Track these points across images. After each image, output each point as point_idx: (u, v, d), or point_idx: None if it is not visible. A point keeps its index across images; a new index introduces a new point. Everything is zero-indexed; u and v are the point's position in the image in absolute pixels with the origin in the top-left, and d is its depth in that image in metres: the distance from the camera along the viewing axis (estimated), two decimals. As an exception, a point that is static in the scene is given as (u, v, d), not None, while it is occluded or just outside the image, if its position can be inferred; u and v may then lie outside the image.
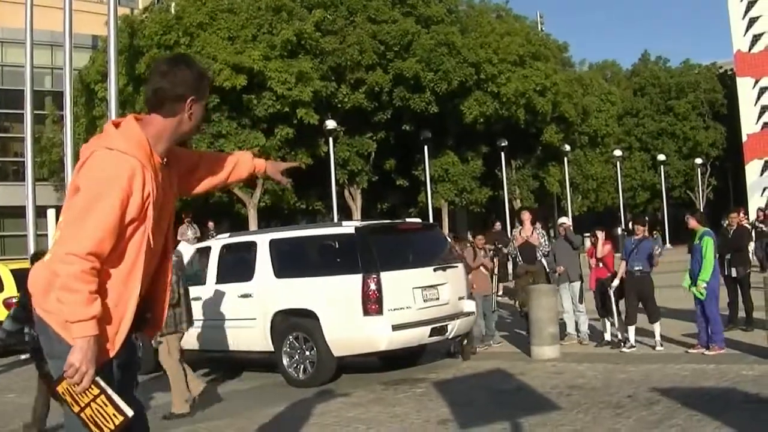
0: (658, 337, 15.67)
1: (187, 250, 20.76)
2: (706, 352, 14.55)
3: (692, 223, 15.44)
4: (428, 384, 13.77)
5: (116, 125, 4.52)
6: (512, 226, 53.71)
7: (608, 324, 16.56)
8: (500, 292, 18.61)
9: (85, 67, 46.68)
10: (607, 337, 16.50)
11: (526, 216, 18.30)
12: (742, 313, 17.60)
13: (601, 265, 16.71)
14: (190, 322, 13.23)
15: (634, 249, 15.81)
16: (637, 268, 15.72)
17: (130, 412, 4.32)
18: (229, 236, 17.33)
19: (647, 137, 76.40)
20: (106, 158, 4.31)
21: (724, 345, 14.71)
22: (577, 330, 17.12)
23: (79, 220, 4.23)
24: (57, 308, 4.29)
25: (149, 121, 4.53)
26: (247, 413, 12.35)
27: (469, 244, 18.62)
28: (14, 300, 21.05)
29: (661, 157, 71.31)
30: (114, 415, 4.34)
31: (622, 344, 15.87)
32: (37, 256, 13.08)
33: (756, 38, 79.39)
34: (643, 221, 16.91)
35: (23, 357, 18.56)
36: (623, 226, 57.78)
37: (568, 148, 58.64)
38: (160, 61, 4.70)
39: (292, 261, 15.57)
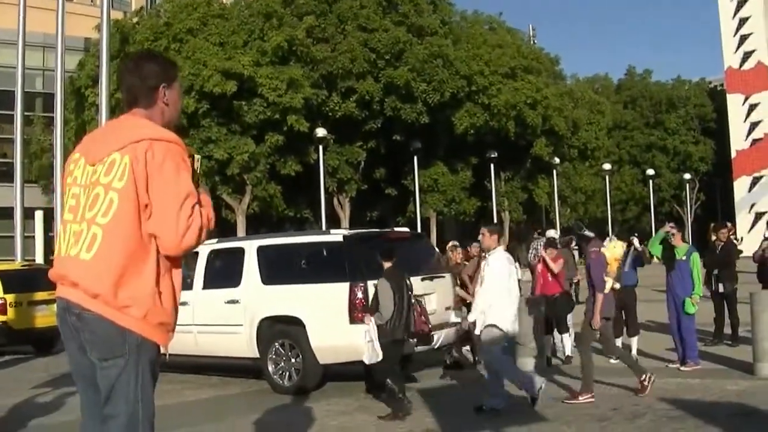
0: (634, 351, 15.69)
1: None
2: (682, 368, 14.58)
3: (676, 240, 15.43)
4: (413, 393, 13.72)
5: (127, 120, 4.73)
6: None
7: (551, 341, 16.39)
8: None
9: (76, 72, 46.56)
10: (548, 353, 16.30)
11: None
12: (727, 329, 17.64)
13: (551, 279, 16.53)
14: None
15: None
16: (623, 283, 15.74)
17: None
18: (217, 242, 17.25)
19: (637, 150, 76.65)
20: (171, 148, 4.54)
21: (699, 361, 14.73)
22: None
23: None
24: (134, 301, 4.39)
25: (136, 115, 4.70)
26: (231, 419, 12.32)
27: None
28: (1, 301, 20.99)
29: (650, 171, 71.53)
30: None
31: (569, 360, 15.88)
32: None
33: (747, 55, 79.85)
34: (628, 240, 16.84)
35: None
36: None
37: (557, 161, 58.77)
38: (125, 60, 4.98)
39: (279, 268, 15.53)
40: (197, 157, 4.90)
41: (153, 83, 4.70)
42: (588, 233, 13.34)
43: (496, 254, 12.23)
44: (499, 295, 11.84)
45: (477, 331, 12.11)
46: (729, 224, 20.46)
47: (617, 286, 13.92)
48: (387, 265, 12.53)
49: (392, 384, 11.89)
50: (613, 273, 12.92)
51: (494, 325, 11.81)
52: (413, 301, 12.28)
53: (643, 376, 12.43)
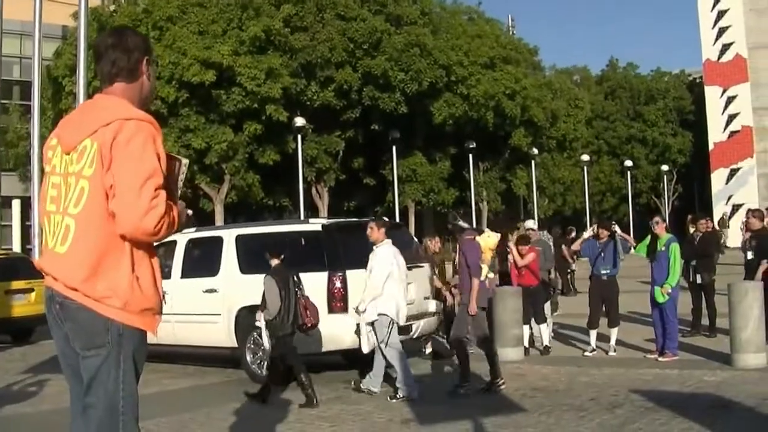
0: (613, 342, 15.69)
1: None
2: (660, 359, 14.61)
3: (659, 229, 15.39)
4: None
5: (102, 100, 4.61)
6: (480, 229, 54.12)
7: (527, 330, 16.44)
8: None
9: (53, 60, 46.29)
10: (526, 343, 16.32)
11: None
12: (705, 320, 17.70)
13: (523, 272, 16.55)
14: None
15: (601, 252, 15.79)
16: (603, 272, 15.73)
17: None
18: (195, 231, 17.18)
19: (616, 142, 77.03)
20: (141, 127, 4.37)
21: (677, 351, 14.77)
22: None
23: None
24: (113, 291, 4.28)
25: (113, 92, 4.60)
26: (208, 409, 12.29)
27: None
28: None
29: (629, 163, 71.83)
30: None
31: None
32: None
33: (725, 48, 79.92)
34: (607, 225, 16.77)
35: None
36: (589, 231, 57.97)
37: (535, 151, 58.86)
38: (103, 38, 4.76)
39: (258, 257, 15.47)
40: (185, 161, 4.81)
41: (138, 56, 4.62)
42: (462, 224, 13.81)
43: (384, 246, 13.04)
44: (386, 285, 12.69)
45: (369, 320, 12.80)
46: (725, 213, 20.49)
47: (491, 275, 14.32)
48: (274, 262, 13.06)
49: (302, 374, 12.51)
50: (487, 262, 13.30)
51: (383, 314, 12.63)
52: (299, 295, 12.83)
53: (498, 380, 12.77)
